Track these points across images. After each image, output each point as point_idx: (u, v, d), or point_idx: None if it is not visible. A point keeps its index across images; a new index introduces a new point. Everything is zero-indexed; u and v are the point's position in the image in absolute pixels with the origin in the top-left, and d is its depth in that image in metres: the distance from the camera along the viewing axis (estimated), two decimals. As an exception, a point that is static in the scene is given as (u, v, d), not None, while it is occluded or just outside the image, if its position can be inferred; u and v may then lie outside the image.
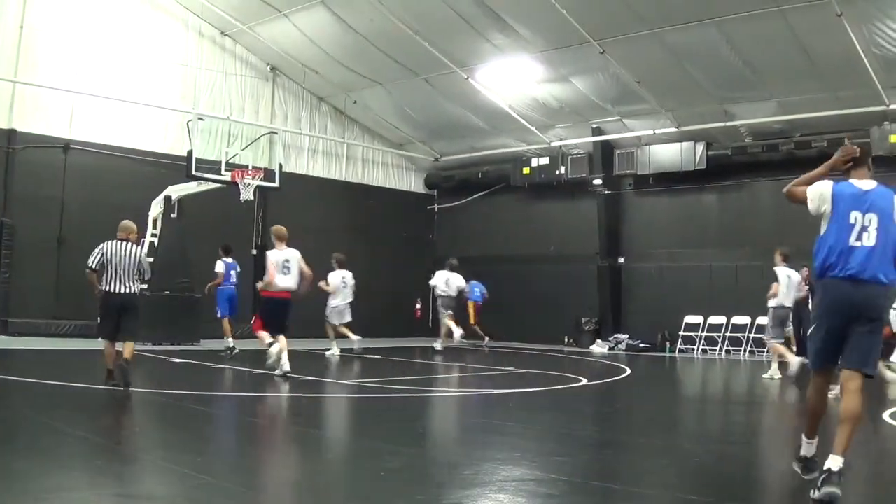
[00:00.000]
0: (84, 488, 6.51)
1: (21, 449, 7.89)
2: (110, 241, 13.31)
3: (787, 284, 17.51)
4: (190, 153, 22.95)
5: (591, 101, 26.40)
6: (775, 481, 7.90)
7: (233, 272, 22.03)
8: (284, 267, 16.36)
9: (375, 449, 8.75)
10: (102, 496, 6.29)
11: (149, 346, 21.71)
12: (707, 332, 25.87)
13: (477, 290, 28.41)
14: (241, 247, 27.25)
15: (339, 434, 9.90)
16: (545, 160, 29.92)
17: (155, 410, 11.65)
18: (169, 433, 9.71)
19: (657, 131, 26.66)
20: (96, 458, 7.56)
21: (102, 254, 13.13)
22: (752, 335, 24.88)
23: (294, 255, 16.52)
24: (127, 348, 12.80)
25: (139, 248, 13.80)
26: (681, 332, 26.19)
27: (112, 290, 13.02)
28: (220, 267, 21.78)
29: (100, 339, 13.29)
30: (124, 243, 13.34)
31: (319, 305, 21.96)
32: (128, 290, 13.17)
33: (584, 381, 17.16)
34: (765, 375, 17.50)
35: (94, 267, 13.10)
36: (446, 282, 26.50)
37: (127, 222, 13.74)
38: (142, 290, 21.88)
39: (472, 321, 27.85)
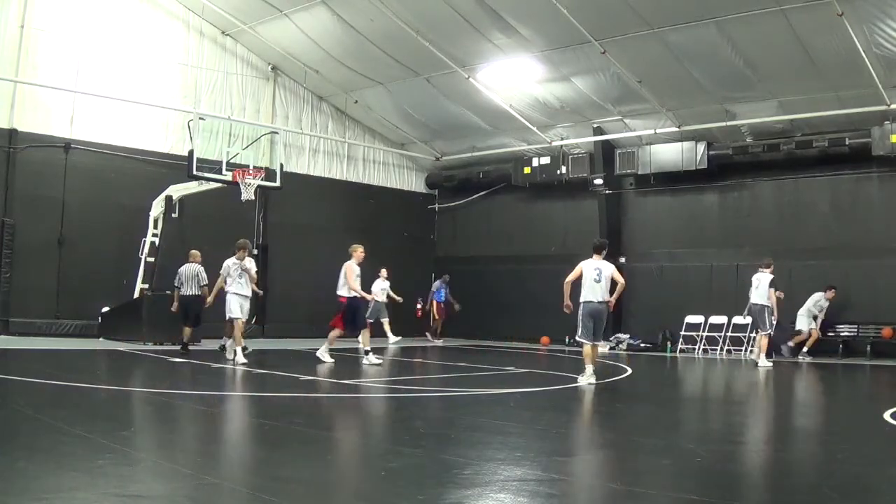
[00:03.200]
0: (85, 488, 6.50)
1: (22, 448, 7.89)
2: (183, 265, 21.43)
3: (594, 278, 16.18)
4: (191, 153, 22.98)
5: (592, 101, 26.42)
6: (777, 481, 7.89)
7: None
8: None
9: (377, 449, 8.74)
10: (103, 496, 6.28)
11: (150, 346, 21.76)
12: (708, 331, 25.89)
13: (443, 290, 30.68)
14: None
15: (340, 434, 9.90)
16: (546, 160, 29.96)
17: (155, 410, 11.64)
18: (170, 433, 9.72)
19: (658, 131, 26.68)
20: (97, 458, 7.54)
21: (178, 274, 21.30)
22: (752, 335, 24.93)
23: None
24: (187, 332, 21.04)
25: (199, 266, 21.42)
26: (682, 332, 26.21)
27: (184, 293, 21.16)
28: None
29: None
30: (190, 264, 21.34)
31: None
32: (191, 293, 21.15)
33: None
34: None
35: (176, 284, 21.29)
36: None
37: (194, 251, 21.66)
38: (143, 289, 22.15)
39: (436, 317, 30.38)
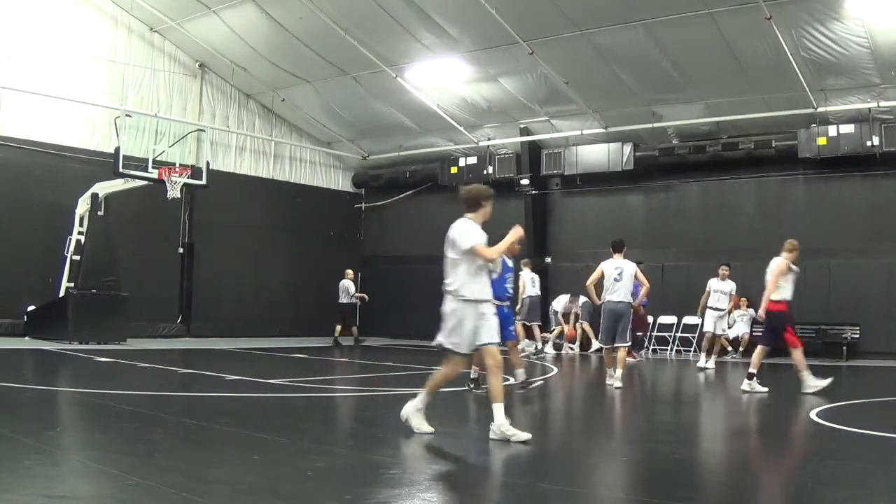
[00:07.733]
0: (11, 489, 6.43)
1: (-56, 450, 7.81)
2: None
3: (615, 277, 16.56)
4: (117, 150, 22.73)
5: (519, 102, 26.57)
6: (691, 477, 7.99)
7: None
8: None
9: (304, 449, 8.74)
10: (30, 497, 6.22)
11: (75, 345, 21.52)
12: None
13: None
14: (167, 245, 27.16)
15: (266, 434, 9.86)
16: (473, 160, 30.09)
17: (82, 410, 11.53)
18: (96, 433, 9.63)
19: (584, 132, 26.90)
20: (24, 459, 7.47)
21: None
22: (678, 334, 25.19)
23: None
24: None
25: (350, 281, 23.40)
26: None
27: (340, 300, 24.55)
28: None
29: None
30: (344, 280, 24.50)
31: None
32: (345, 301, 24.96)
33: (511, 381, 17.24)
34: None
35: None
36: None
37: (348, 270, 25.03)
38: (68, 288, 21.71)
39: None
